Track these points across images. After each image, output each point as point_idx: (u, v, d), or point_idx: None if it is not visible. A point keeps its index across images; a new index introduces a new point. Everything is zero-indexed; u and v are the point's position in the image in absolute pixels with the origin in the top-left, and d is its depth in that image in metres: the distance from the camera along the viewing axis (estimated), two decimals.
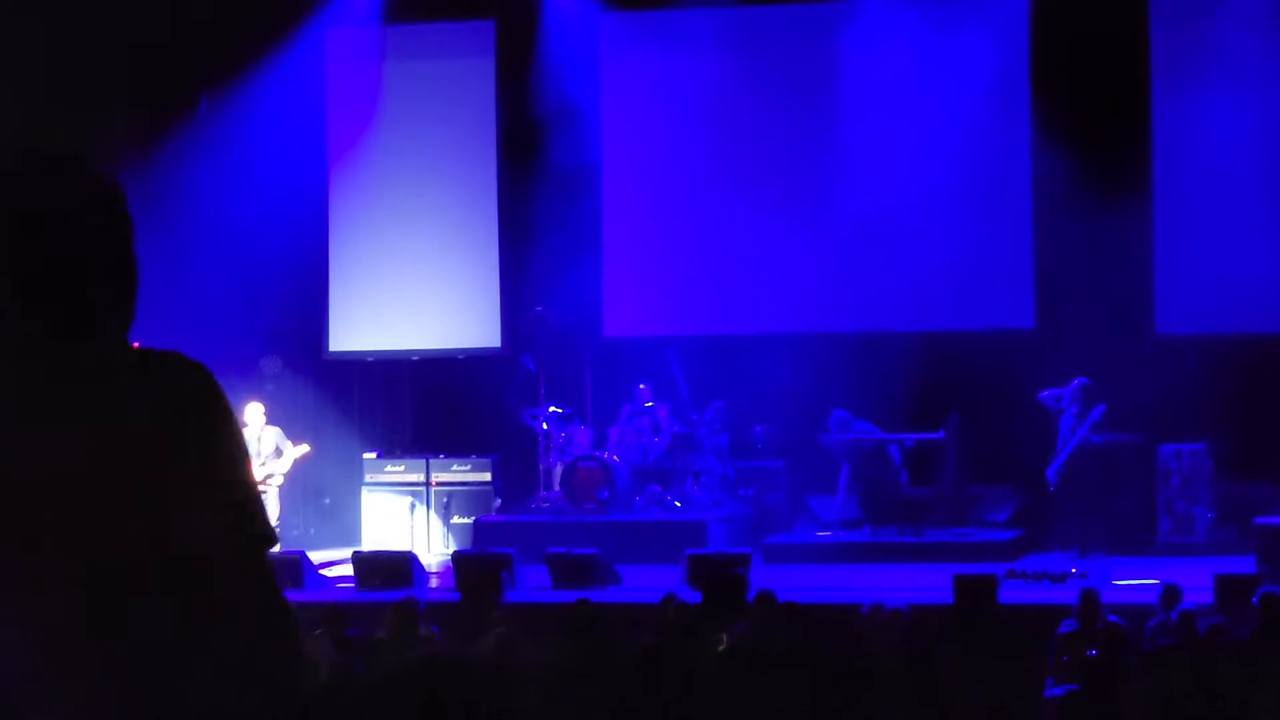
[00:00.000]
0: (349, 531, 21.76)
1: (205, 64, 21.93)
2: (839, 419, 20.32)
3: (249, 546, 3.11)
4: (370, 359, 22.96)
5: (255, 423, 20.32)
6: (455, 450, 21.82)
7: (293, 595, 17.07)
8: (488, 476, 21.51)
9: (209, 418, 3.18)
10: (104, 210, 3.24)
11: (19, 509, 2.98)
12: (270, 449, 20.27)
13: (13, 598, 2.95)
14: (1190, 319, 20.17)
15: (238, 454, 3.18)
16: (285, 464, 20.33)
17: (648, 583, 17.22)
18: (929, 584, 16.65)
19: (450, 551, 19.48)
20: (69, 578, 2.97)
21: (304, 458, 20.64)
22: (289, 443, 20.34)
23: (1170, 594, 14.93)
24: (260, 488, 19.67)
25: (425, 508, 21.46)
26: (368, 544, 20.74)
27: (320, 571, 19.08)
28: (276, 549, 3.23)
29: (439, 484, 21.49)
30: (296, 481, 20.93)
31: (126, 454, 3.04)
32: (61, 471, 3.01)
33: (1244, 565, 17.20)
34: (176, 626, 3.00)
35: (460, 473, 21.54)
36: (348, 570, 18.81)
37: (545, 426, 21.31)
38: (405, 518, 21.40)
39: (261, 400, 20.61)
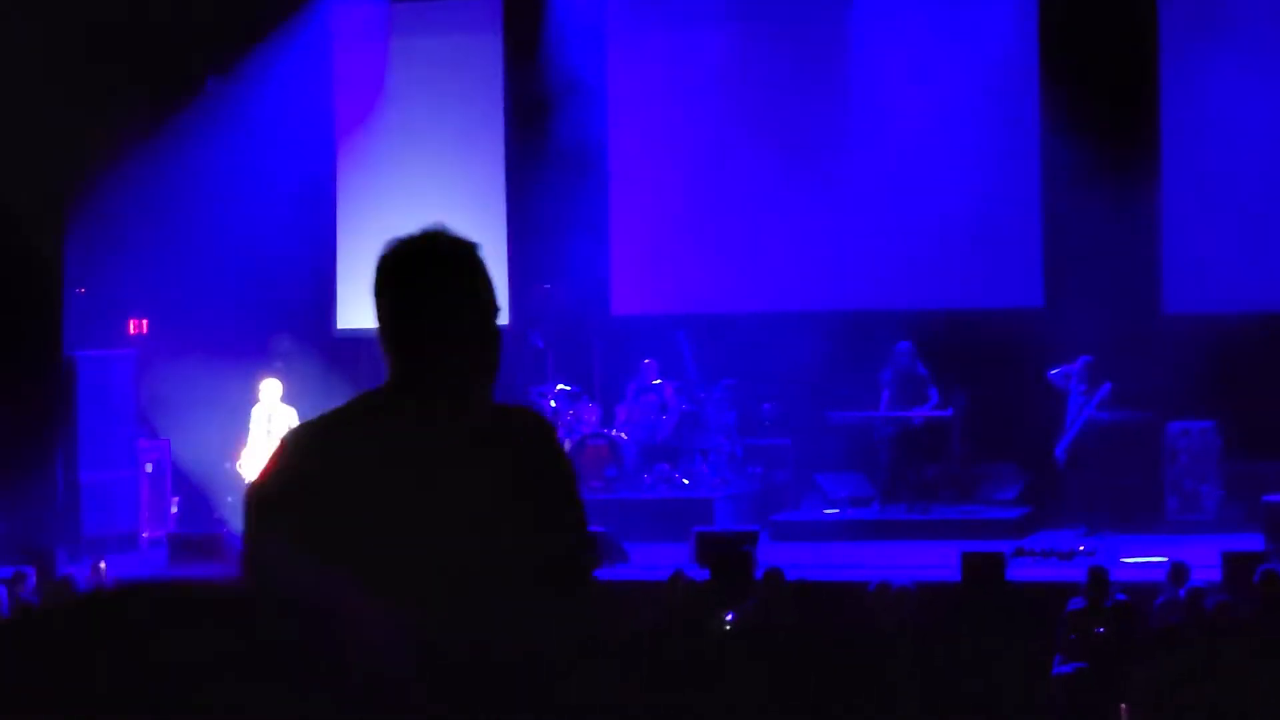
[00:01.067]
0: None
1: (212, 42, 21.90)
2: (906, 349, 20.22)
3: (579, 551, 3.85)
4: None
5: (270, 399, 20.33)
6: None
7: None
8: None
9: (554, 457, 3.83)
10: (467, 279, 3.77)
11: (412, 533, 3.62)
12: (284, 428, 20.27)
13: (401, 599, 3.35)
14: (1198, 297, 20.16)
15: (571, 484, 3.85)
16: None
17: (656, 560, 17.23)
18: (937, 562, 16.66)
19: None
20: (452, 582, 3.61)
21: None
22: None
23: (1178, 572, 14.95)
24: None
25: None
26: None
27: None
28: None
29: None
30: None
31: (495, 486, 3.69)
32: (446, 501, 3.65)
33: (1252, 543, 17.20)
34: (528, 603, 3.69)
35: None
36: None
37: (553, 404, 21.32)
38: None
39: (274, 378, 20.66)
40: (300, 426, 4.03)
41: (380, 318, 3.78)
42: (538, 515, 3.71)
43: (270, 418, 20.29)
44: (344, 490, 3.67)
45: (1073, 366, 19.52)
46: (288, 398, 20.57)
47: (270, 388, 20.40)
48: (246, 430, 20.36)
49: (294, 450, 3.83)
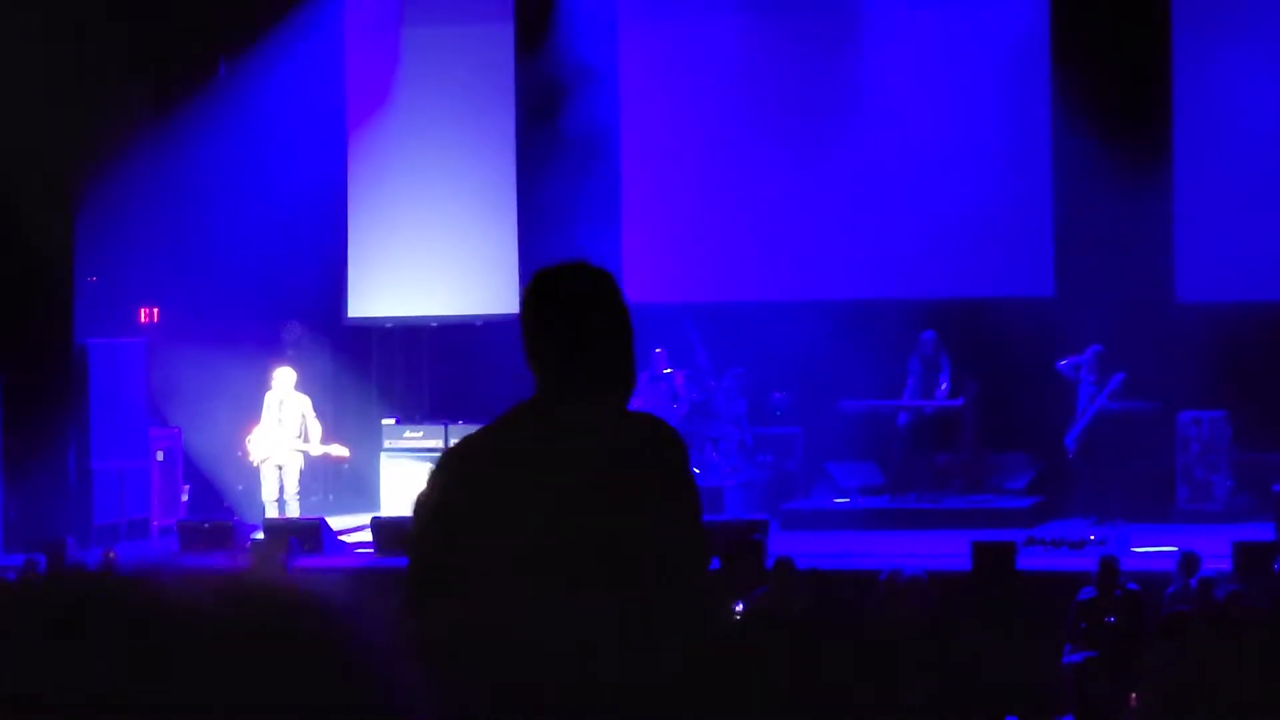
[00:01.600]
0: (368, 497, 21.79)
1: (224, 29, 21.90)
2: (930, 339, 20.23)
3: (699, 547, 4.30)
4: (389, 325, 22.96)
5: (283, 387, 20.35)
6: (474, 416, 21.75)
7: (312, 561, 17.18)
8: None
9: (679, 461, 4.28)
10: (604, 306, 4.24)
11: (556, 529, 4.06)
12: (296, 416, 20.28)
13: (550, 592, 4.02)
14: (1210, 286, 20.13)
15: (692, 483, 4.32)
16: (316, 449, 20.37)
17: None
18: (948, 551, 16.66)
19: None
20: (592, 577, 4.05)
21: (338, 459, 20.76)
22: (318, 424, 20.37)
23: (1189, 561, 14.94)
24: (287, 454, 19.80)
25: None
26: (387, 510, 20.76)
27: (339, 537, 19.13)
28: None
29: None
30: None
31: (628, 484, 4.13)
32: (586, 498, 4.10)
33: (1263, 533, 17.20)
34: (654, 597, 4.08)
35: None
36: (367, 536, 18.87)
37: None
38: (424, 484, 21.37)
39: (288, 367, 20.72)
40: (464, 438, 4.46)
41: (527, 338, 4.27)
42: (663, 510, 4.14)
43: (282, 405, 20.31)
44: (500, 492, 4.13)
45: (1082, 357, 19.50)
46: (298, 386, 20.60)
47: (284, 376, 20.43)
48: (257, 418, 20.39)
49: (458, 458, 4.32)
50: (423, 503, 4.25)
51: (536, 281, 4.34)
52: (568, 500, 4.09)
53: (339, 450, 20.63)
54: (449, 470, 4.26)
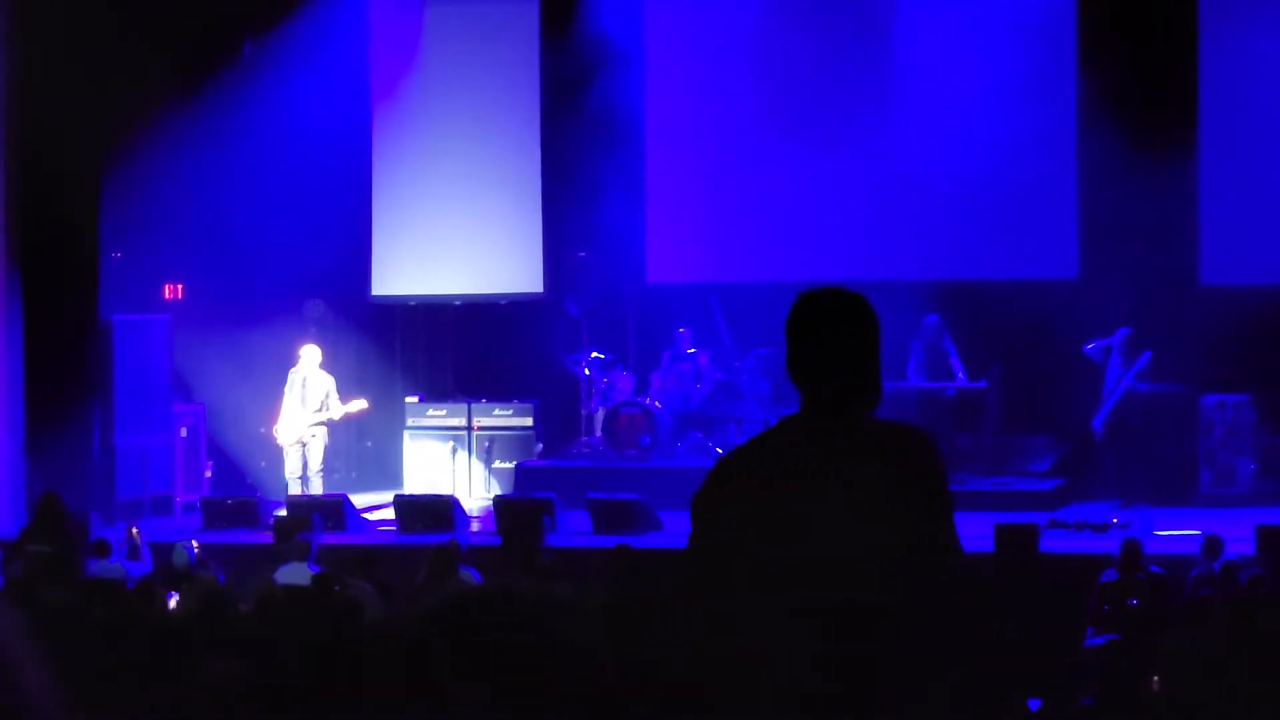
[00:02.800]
0: (391, 475, 21.84)
1: (250, 8, 21.92)
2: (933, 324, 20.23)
3: (946, 556, 4.57)
4: (413, 303, 22.98)
5: (309, 365, 20.39)
6: (497, 395, 21.85)
7: (335, 538, 17.22)
8: (529, 421, 21.52)
9: (935, 470, 4.55)
10: (859, 327, 4.67)
11: (820, 531, 4.38)
12: (319, 394, 20.32)
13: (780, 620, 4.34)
14: (1235, 269, 20.07)
15: (944, 486, 4.56)
16: (339, 412, 20.41)
17: (688, 529, 17.19)
18: (970, 533, 16.59)
19: (491, 496, 19.53)
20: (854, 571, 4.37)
21: (360, 413, 20.77)
22: (337, 397, 20.40)
23: (1212, 545, 14.93)
24: (311, 432, 19.92)
25: (467, 452, 21.50)
26: (410, 488, 20.81)
27: (362, 515, 19.17)
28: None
29: (480, 428, 21.51)
30: (339, 425, 20.99)
31: (882, 487, 4.43)
32: (845, 502, 4.41)
33: None
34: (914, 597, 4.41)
35: (502, 417, 21.57)
36: (390, 514, 18.91)
37: (587, 372, 21.35)
38: (447, 462, 21.45)
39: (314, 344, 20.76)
40: (735, 447, 4.80)
41: (791, 356, 4.62)
42: (916, 512, 4.47)
43: (305, 383, 20.35)
44: (768, 496, 4.47)
45: (1112, 339, 19.46)
46: (322, 364, 20.63)
47: (310, 353, 20.47)
48: (280, 395, 20.43)
49: (730, 466, 4.65)
50: (699, 512, 4.64)
51: (799, 303, 4.71)
52: (835, 505, 4.43)
53: (357, 404, 20.62)
54: (723, 479, 4.60)
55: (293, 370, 20.46)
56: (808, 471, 4.49)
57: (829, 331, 4.65)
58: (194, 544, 16.36)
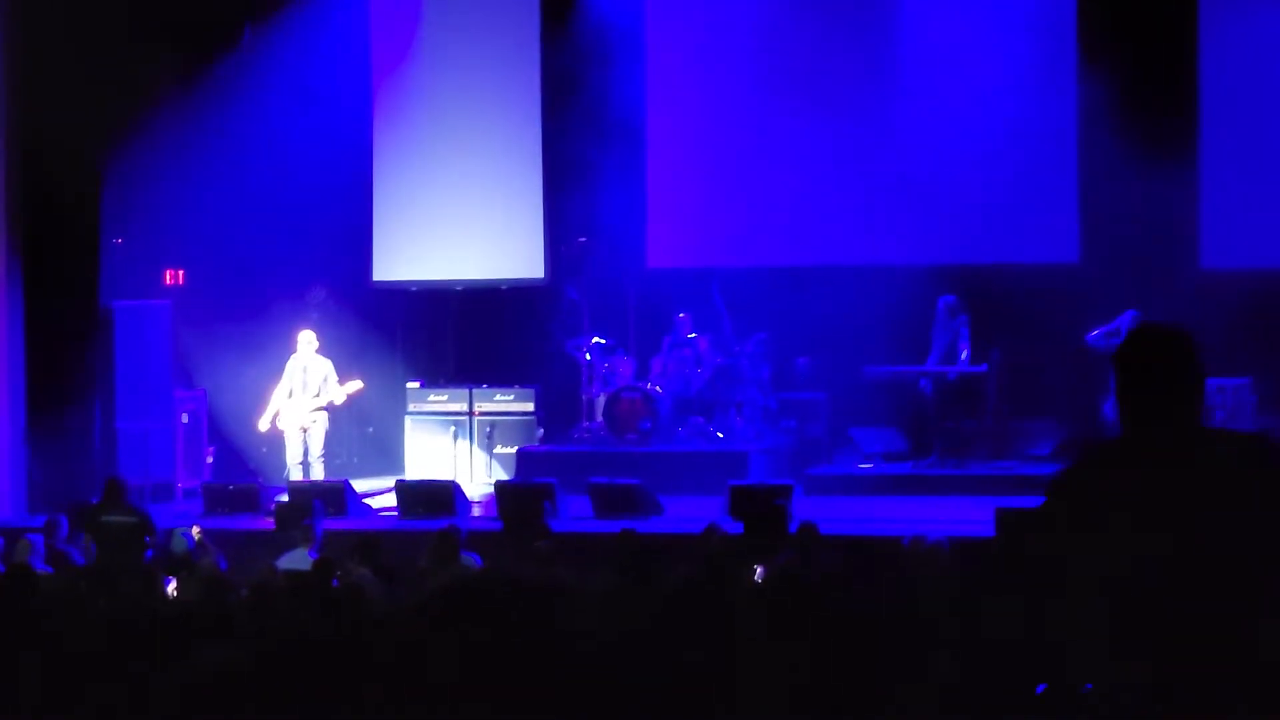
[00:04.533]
0: (392, 460, 21.85)
1: None
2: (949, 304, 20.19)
3: None
4: (414, 289, 22.98)
5: (306, 350, 20.40)
6: (498, 380, 21.86)
7: (336, 523, 17.22)
8: (530, 406, 21.53)
9: (1270, 470, 4.81)
10: (1183, 359, 5.00)
11: (1165, 545, 4.67)
12: (318, 379, 20.34)
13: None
14: (1235, 253, 20.08)
15: None
16: (340, 395, 20.42)
17: (690, 513, 17.24)
18: (971, 517, 16.65)
19: (493, 481, 19.54)
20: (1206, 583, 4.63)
21: (357, 394, 20.76)
22: (336, 379, 20.41)
23: None
24: (313, 417, 19.92)
25: (468, 438, 21.50)
26: (411, 473, 20.82)
27: (364, 500, 19.18)
28: None
29: (482, 414, 21.53)
30: (341, 410, 21.00)
31: (1236, 500, 4.73)
32: (1187, 517, 4.68)
33: None
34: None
35: (503, 403, 21.58)
36: (391, 499, 18.91)
37: (588, 357, 21.36)
38: (448, 447, 21.46)
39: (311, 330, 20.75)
40: (1069, 470, 5.04)
41: (1120, 387, 4.94)
42: (1257, 522, 4.69)
43: (305, 369, 20.36)
44: (1109, 513, 4.75)
45: (1119, 320, 19.40)
46: (323, 349, 20.65)
47: (307, 339, 20.48)
48: (280, 381, 20.44)
49: (1067, 484, 4.91)
50: (1070, 488, 4.91)
51: (1130, 343, 5.03)
52: (1161, 520, 4.71)
53: (353, 385, 20.63)
54: (1070, 492, 4.91)
55: (291, 358, 20.47)
56: (1148, 491, 4.76)
57: (1159, 366, 4.99)
58: (195, 530, 16.34)
